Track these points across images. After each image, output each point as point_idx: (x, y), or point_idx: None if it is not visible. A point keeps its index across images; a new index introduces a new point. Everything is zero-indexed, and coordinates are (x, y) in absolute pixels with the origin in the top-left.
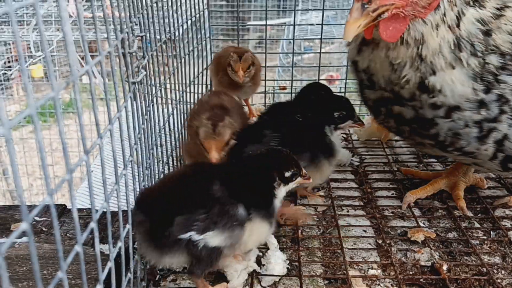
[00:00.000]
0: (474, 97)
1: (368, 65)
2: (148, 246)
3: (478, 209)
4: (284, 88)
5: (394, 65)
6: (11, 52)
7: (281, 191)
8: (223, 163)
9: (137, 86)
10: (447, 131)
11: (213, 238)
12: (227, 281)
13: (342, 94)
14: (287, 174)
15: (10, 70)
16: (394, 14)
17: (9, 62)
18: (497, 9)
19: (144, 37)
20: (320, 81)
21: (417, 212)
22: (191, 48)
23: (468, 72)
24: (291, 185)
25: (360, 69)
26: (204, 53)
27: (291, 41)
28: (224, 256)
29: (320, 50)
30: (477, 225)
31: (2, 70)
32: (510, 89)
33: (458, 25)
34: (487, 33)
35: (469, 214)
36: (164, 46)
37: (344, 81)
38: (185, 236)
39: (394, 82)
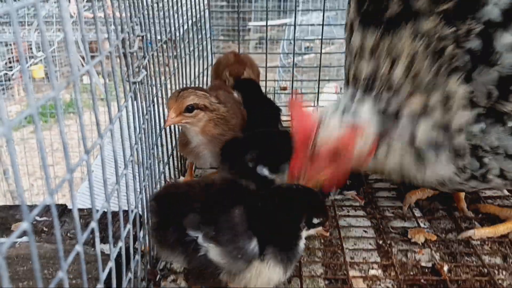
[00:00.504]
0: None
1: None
2: (155, 237)
3: (479, 209)
4: (285, 88)
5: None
6: (12, 53)
7: (303, 236)
8: (258, 191)
9: (137, 86)
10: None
11: (216, 254)
12: None
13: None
14: (316, 220)
15: (11, 70)
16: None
17: (10, 62)
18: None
19: (144, 37)
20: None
21: (417, 212)
22: (191, 48)
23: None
24: (310, 232)
25: None
26: (205, 54)
27: (292, 41)
28: (220, 278)
29: (321, 51)
30: (477, 226)
31: (3, 70)
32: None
33: (413, 143)
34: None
35: (470, 215)
36: (164, 46)
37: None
38: (193, 234)
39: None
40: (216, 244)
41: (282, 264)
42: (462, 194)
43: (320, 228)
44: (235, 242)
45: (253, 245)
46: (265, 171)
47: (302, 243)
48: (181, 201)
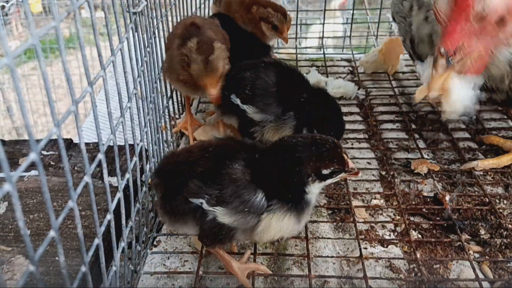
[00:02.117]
0: None
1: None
2: (162, 211)
3: (483, 140)
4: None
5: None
6: None
7: (316, 187)
8: (256, 144)
9: (138, 16)
10: None
11: (223, 215)
12: None
13: (349, 26)
14: (325, 171)
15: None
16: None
17: None
18: None
19: None
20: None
21: (421, 144)
22: None
23: None
24: (331, 181)
25: None
26: None
27: None
28: (235, 238)
29: None
30: (481, 156)
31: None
32: None
33: None
34: None
35: (474, 145)
36: None
37: (351, 11)
38: (196, 201)
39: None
40: (222, 206)
41: (292, 214)
42: None
43: (343, 175)
44: (240, 198)
45: (259, 197)
46: (237, 101)
47: (312, 195)
48: (182, 169)
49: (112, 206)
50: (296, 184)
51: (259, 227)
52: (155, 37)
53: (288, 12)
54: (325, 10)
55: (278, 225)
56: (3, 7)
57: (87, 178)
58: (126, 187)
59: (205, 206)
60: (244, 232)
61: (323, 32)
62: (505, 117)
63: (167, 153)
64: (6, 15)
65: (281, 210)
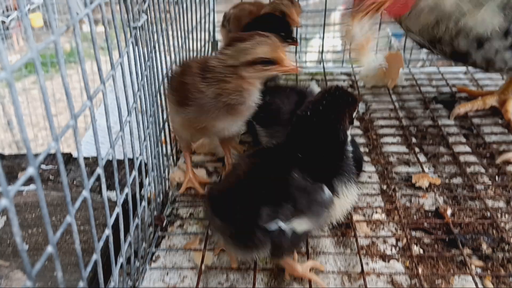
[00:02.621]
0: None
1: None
2: (234, 248)
3: (484, 154)
4: None
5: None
6: (8, 1)
7: (349, 136)
8: (283, 145)
9: (138, 31)
10: (481, 60)
11: (301, 225)
12: None
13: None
14: (355, 113)
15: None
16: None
17: (7, 10)
18: None
19: None
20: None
21: (422, 157)
22: None
23: (493, 7)
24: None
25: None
26: None
27: None
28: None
29: None
30: (482, 170)
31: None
32: None
33: None
34: None
35: (475, 159)
36: None
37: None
38: (273, 226)
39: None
40: (299, 217)
41: (349, 182)
42: (510, 106)
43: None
44: (313, 202)
45: (326, 192)
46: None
47: (349, 146)
48: (244, 202)
49: (111, 221)
50: (341, 145)
51: (331, 214)
52: (155, 51)
53: None
54: (324, 25)
55: (346, 199)
56: (3, 22)
57: (85, 193)
58: (125, 201)
59: (282, 225)
60: (319, 227)
61: (322, 46)
62: (506, 130)
63: (210, 193)
64: (7, 29)
65: (342, 187)
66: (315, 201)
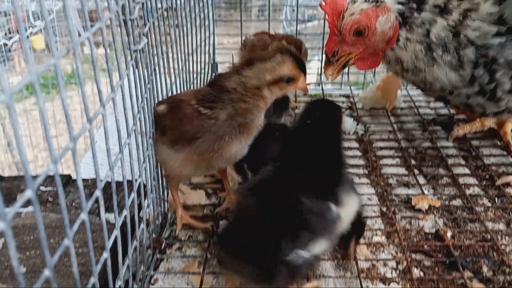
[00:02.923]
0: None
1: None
2: (256, 283)
3: (483, 176)
4: None
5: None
6: (11, 23)
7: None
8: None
9: (139, 54)
10: (459, 104)
11: (318, 247)
12: None
13: None
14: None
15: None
16: (360, 57)
17: (9, 33)
18: (462, 12)
19: (145, 4)
20: None
21: (421, 180)
22: (193, 16)
23: (446, 65)
24: None
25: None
26: (207, 22)
27: (295, 8)
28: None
29: (324, 18)
30: (482, 192)
31: (2, 40)
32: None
33: (428, 36)
34: (455, 32)
35: (474, 181)
36: (165, 14)
37: None
38: (293, 256)
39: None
40: (315, 241)
41: (353, 191)
42: (509, 131)
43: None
44: (325, 223)
45: (333, 208)
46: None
47: None
48: (264, 243)
49: (109, 244)
50: (339, 151)
51: (341, 224)
52: (155, 74)
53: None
54: (323, 47)
55: (351, 207)
56: (5, 44)
57: (83, 216)
58: (124, 224)
59: (300, 253)
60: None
61: (321, 68)
62: (505, 152)
63: (223, 238)
64: (10, 51)
65: (345, 195)
66: (326, 221)
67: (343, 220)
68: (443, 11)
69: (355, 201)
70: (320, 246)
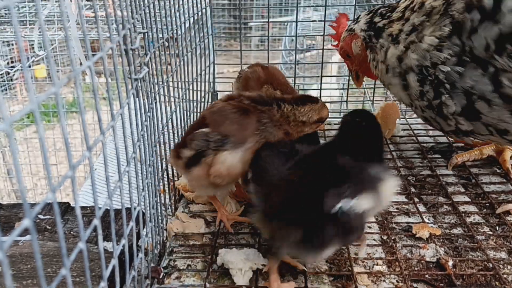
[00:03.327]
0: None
1: None
2: (307, 249)
3: (484, 204)
4: None
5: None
6: (14, 52)
7: None
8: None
9: (139, 83)
10: (420, 116)
11: (365, 202)
12: (232, 280)
13: (345, 91)
14: None
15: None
16: (362, 71)
17: (12, 62)
18: (407, 44)
19: (146, 35)
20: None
21: (421, 208)
22: (193, 46)
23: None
24: None
25: None
26: (207, 52)
27: (294, 38)
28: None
29: (323, 48)
30: (482, 220)
31: (4, 69)
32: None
33: (385, 58)
34: (400, 59)
35: (474, 209)
36: (166, 44)
37: (347, 77)
38: (337, 206)
39: None
40: (362, 193)
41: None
42: (508, 158)
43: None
44: (367, 175)
45: (374, 167)
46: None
47: None
48: (300, 199)
49: (107, 273)
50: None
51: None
52: (156, 102)
53: (287, 78)
54: (321, 76)
55: (391, 185)
56: (7, 73)
57: (81, 245)
58: (122, 252)
59: (350, 203)
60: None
61: (320, 97)
62: (505, 180)
63: (270, 207)
64: (11, 80)
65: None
66: (369, 176)
67: (386, 189)
68: (394, 40)
69: (393, 185)
70: (366, 201)
